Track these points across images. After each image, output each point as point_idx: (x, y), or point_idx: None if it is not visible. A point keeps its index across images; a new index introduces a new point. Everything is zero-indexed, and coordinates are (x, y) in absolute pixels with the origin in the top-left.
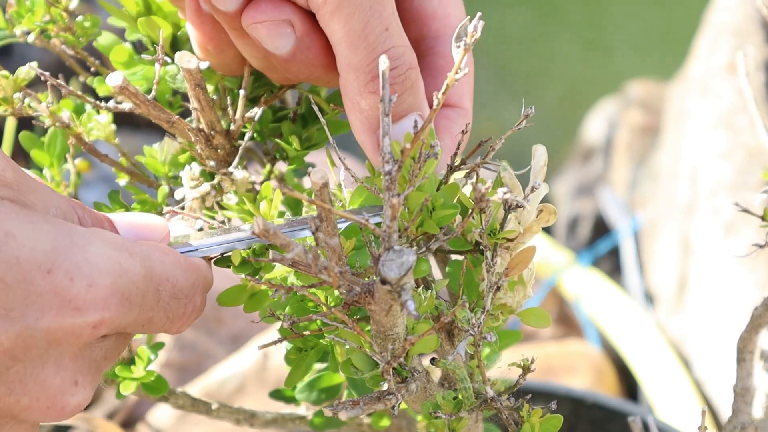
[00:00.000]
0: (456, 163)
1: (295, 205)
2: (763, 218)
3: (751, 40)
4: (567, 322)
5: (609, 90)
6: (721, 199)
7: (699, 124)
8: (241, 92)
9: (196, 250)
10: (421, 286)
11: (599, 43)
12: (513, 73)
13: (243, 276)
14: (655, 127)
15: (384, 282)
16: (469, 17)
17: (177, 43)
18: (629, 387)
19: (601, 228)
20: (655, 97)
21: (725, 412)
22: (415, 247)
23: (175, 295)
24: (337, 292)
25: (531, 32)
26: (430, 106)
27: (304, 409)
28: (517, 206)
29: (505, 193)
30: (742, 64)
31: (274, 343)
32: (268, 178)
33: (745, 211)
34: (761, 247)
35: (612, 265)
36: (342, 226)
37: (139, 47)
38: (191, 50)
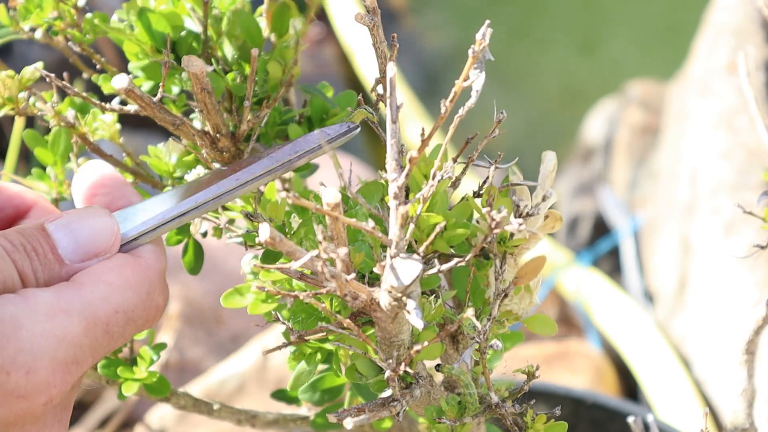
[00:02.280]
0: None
1: (301, 211)
2: (764, 219)
3: (751, 40)
4: (567, 322)
5: (609, 90)
6: (721, 199)
7: (699, 124)
8: (246, 98)
9: (136, 239)
10: (427, 293)
11: (599, 43)
12: (512, 72)
13: (248, 277)
14: (655, 126)
15: (390, 290)
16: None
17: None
18: (629, 387)
19: (601, 228)
20: (655, 97)
21: (725, 413)
22: (424, 259)
23: (129, 319)
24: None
25: (530, 32)
26: None
27: (306, 410)
28: (528, 215)
29: (520, 225)
30: (742, 64)
31: (279, 348)
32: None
33: (749, 213)
34: (762, 248)
35: (612, 265)
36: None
37: None
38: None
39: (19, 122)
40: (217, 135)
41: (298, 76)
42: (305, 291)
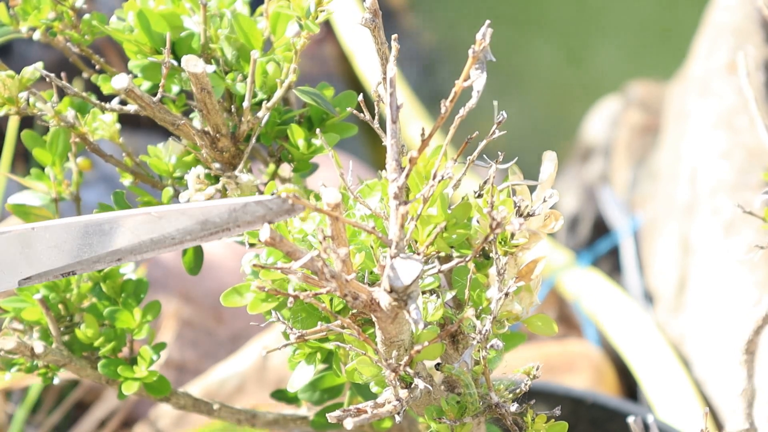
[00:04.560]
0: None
1: None
2: (764, 219)
3: (751, 40)
4: (567, 322)
5: (609, 90)
6: (721, 199)
7: (699, 124)
8: (246, 99)
9: None
10: (428, 293)
11: (599, 43)
12: (511, 72)
13: (248, 277)
14: (655, 127)
15: (391, 290)
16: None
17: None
18: (629, 387)
19: (601, 228)
20: (655, 97)
21: (725, 413)
22: (424, 260)
23: None
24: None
25: (530, 31)
26: None
27: (306, 410)
28: (528, 215)
29: (521, 225)
30: (742, 64)
31: (279, 348)
32: (272, 179)
33: (749, 213)
34: (762, 248)
35: (612, 265)
36: None
37: None
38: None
39: (13, 122)
40: (217, 135)
41: (298, 77)
42: (305, 291)
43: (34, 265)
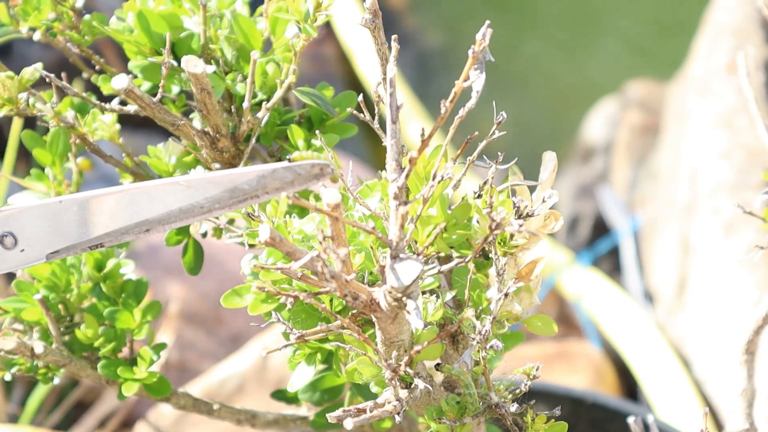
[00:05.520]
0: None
1: (301, 211)
2: (764, 219)
3: (751, 40)
4: (567, 322)
5: (608, 90)
6: (721, 199)
7: (699, 124)
8: (246, 99)
9: None
10: (428, 293)
11: (599, 43)
12: (511, 72)
13: (248, 278)
14: (655, 127)
15: (390, 290)
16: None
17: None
18: (629, 387)
19: (601, 228)
20: (655, 97)
21: (725, 413)
22: (424, 260)
23: None
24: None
25: (529, 31)
26: None
27: (306, 410)
28: (528, 216)
29: (520, 226)
30: (742, 64)
31: (279, 349)
32: None
33: (749, 213)
34: (762, 248)
35: (612, 265)
36: None
37: None
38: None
39: (17, 123)
40: (217, 135)
41: (298, 77)
42: (305, 291)
43: (63, 239)
